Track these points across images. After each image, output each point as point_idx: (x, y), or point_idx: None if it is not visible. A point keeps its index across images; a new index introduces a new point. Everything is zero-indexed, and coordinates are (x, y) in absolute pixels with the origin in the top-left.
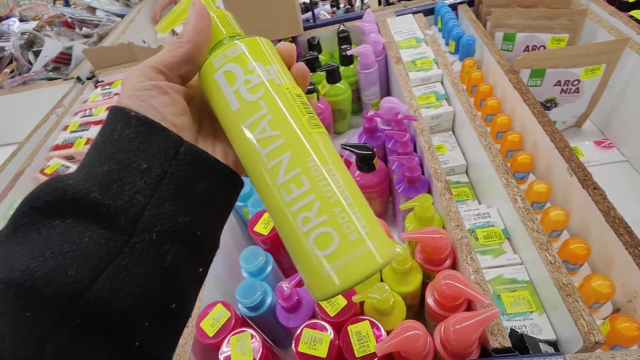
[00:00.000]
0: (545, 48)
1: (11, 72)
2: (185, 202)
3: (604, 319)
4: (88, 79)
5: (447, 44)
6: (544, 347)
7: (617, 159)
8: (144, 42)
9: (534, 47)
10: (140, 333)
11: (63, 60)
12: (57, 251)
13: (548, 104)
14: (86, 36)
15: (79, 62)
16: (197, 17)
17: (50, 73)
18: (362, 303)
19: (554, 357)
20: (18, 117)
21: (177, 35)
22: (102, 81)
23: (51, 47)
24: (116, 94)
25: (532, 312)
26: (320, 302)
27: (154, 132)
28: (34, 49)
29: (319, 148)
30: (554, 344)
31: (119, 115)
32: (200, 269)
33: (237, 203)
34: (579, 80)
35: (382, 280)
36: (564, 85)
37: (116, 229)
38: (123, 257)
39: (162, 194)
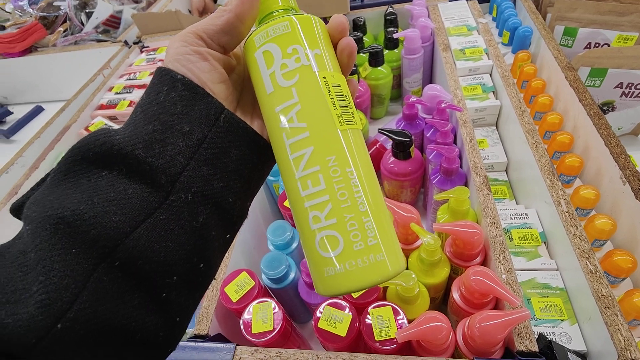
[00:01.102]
0: (608, 46)
1: (64, 31)
2: (220, 168)
3: None
4: (135, 43)
5: (500, 34)
6: (572, 358)
7: None
8: (190, 12)
9: (597, 45)
10: (168, 286)
11: (113, 23)
12: (104, 198)
13: (605, 107)
14: (136, 1)
15: (127, 26)
16: None
17: (100, 35)
18: (385, 288)
19: None
20: (68, 75)
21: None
22: (148, 47)
23: (102, 9)
24: (160, 59)
25: (563, 320)
26: None
27: (197, 97)
28: (87, 11)
29: (344, 147)
30: (583, 355)
31: (165, 78)
32: (228, 236)
33: (269, 177)
34: None
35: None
36: (625, 88)
37: (156, 185)
38: (160, 213)
39: (200, 157)
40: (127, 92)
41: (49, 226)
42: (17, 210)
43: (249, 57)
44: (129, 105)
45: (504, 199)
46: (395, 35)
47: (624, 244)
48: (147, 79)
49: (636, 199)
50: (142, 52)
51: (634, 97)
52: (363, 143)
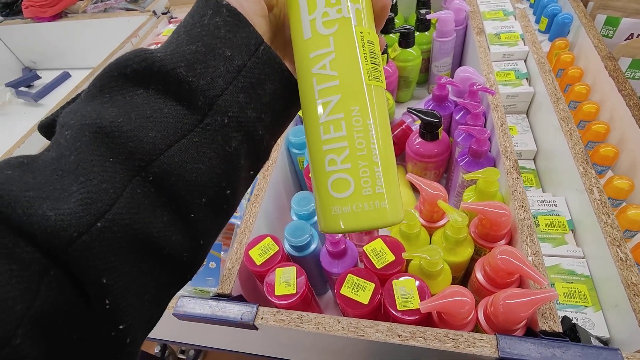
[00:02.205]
0: None
1: None
2: (255, 98)
3: None
4: (163, 13)
5: (537, 21)
6: (595, 342)
7: None
8: None
9: (639, 37)
10: (197, 207)
11: None
12: (141, 114)
13: None
14: None
15: None
16: None
17: (129, 4)
18: (408, 261)
19: (609, 351)
20: (96, 42)
21: None
22: (176, 17)
23: None
24: None
25: (587, 306)
26: (367, 251)
27: (240, 24)
28: None
29: (368, 101)
30: (605, 342)
31: (210, 2)
32: (252, 172)
33: (293, 150)
34: None
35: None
36: None
37: (193, 107)
38: (195, 135)
39: (238, 84)
40: None
41: (89, 133)
42: (46, 127)
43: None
44: None
45: (531, 187)
46: (428, 17)
47: None
48: None
49: None
50: (170, 22)
51: None
52: (384, 101)
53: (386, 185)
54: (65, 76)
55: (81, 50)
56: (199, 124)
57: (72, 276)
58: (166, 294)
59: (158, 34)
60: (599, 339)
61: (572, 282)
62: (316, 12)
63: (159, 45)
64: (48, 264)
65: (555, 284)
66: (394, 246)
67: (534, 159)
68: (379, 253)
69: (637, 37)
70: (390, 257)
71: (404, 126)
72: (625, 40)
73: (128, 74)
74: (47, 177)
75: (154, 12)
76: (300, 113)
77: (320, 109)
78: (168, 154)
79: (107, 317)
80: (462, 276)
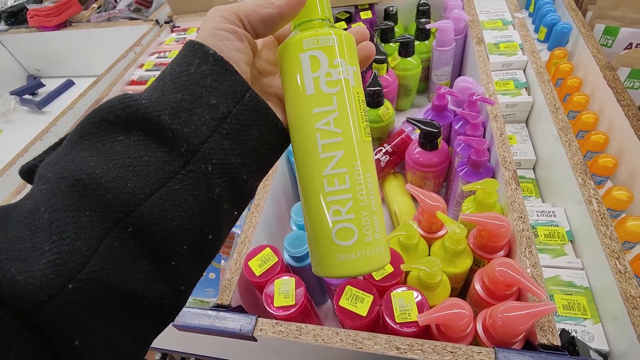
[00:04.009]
0: None
1: (98, 7)
2: (240, 144)
3: None
4: (166, 22)
5: (536, 30)
6: (594, 355)
7: None
8: None
9: (638, 46)
10: (178, 254)
11: (145, 2)
12: (120, 163)
13: None
14: None
15: (159, 6)
16: None
17: (132, 13)
18: (407, 273)
19: None
20: (100, 51)
21: None
22: (178, 27)
23: None
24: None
25: (586, 319)
26: None
27: (227, 73)
28: None
29: (365, 156)
30: (604, 355)
31: (197, 52)
32: (235, 212)
33: (292, 158)
34: None
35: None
36: None
37: (175, 153)
38: (176, 182)
39: (222, 131)
40: (157, 70)
41: (65, 187)
42: (27, 172)
43: (291, 55)
44: None
45: (530, 196)
46: (428, 26)
47: None
48: None
49: None
50: (172, 31)
51: None
52: (372, 155)
53: (381, 231)
54: (69, 84)
55: (85, 59)
56: (180, 171)
57: (44, 338)
58: (146, 340)
59: (161, 43)
60: (598, 352)
61: (571, 294)
62: (320, 71)
63: (162, 53)
64: (18, 327)
65: (555, 296)
66: (393, 257)
67: (534, 169)
68: None
69: (636, 46)
70: (389, 269)
71: (403, 135)
72: (624, 49)
73: (110, 120)
74: (20, 234)
75: (157, 22)
76: (292, 160)
77: (324, 163)
78: (148, 203)
79: None
80: (462, 287)
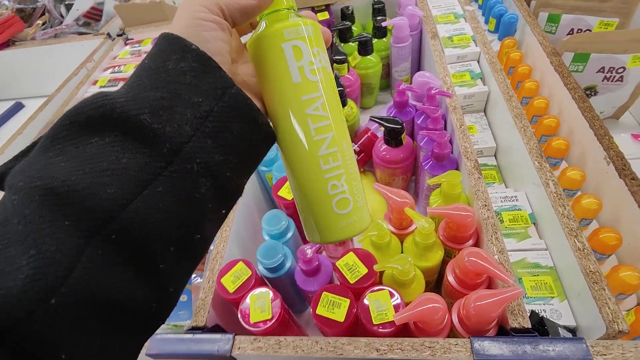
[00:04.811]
0: (590, 32)
1: (43, 24)
2: (222, 142)
3: (628, 310)
4: (118, 35)
5: (486, 21)
6: (563, 332)
7: None
8: (174, 3)
9: (579, 31)
10: (165, 257)
11: (94, 15)
12: (96, 168)
13: (588, 92)
14: None
15: (109, 18)
16: None
17: (81, 28)
18: (381, 273)
19: (574, 342)
20: (49, 69)
21: None
22: (132, 39)
23: (83, 1)
24: (145, 52)
25: (553, 297)
26: (340, 267)
27: (208, 69)
28: (66, 2)
29: (346, 132)
30: (572, 330)
31: (174, 46)
32: (223, 211)
33: (261, 167)
34: (624, 68)
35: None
36: (607, 72)
37: (156, 154)
38: (158, 183)
39: (205, 129)
40: (112, 86)
41: (38, 197)
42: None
43: (273, 46)
44: None
45: (494, 182)
46: (384, 24)
47: (609, 222)
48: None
49: (620, 178)
50: (126, 44)
51: (615, 81)
52: (347, 127)
53: (364, 195)
54: (18, 106)
55: (34, 79)
56: (162, 172)
57: (28, 354)
58: (135, 344)
59: (114, 57)
60: (566, 328)
61: (538, 275)
62: (303, 60)
63: (116, 68)
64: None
65: (523, 279)
66: (366, 258)
67: (495, 155)
68: (351, 267)
69: (578, 31)
70: (363, 270)
71: (369, 133)
72: (567, 35)
73: (81, 121)
74: None
75: (109, 35)
76: (280, 147)
77: (318, 145)
78: (130, 208)
79: None
80: (436, 279)
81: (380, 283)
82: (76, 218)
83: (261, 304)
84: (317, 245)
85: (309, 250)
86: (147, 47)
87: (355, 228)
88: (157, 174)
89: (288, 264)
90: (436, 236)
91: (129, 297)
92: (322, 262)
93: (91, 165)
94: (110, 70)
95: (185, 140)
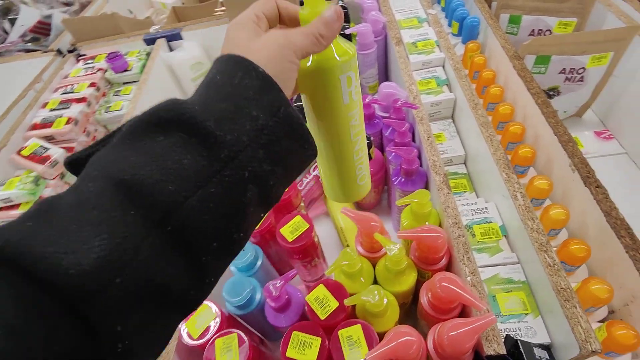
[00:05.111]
0: (551, 33)
1: None
2: (272, 154)
3: (600, 321)
4: (69, 51)
5: (450, 24)
6: (538, 353)
7: (616, 151)
8: (131, 12)
9: (540, 31)
10: (208, 251)
11: (42, 30)
12: (161, 166)
13: (551, 92)
14: (67, 4)
15: (59, 33)
16: (336, 23)
17: (28, 44)
18: (353, 306)
19: None
20: None
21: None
22: (85, 55)
23: (28, 15)
24: (100, 69)
25: (527, 314)
26: (309, 302)
27: (269, 88)
28: (10, 17)
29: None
30: (547, 347)
31: (240, 65)
32: (261, 214)
33: None
34: (584, 69)
35: (375, 279)
36: (568, 73)
37: (213, 158)
38: (212, 185)
39: (259, 141)
40: (64, 108)
41: (111, 187)
42: (71, 163)
43: (333, 77)
44: (67, 122)
45: (465, 192)
46: (347, 31)
47: (576, 230)
48: (86, 91)
49: (585, 186)
50: (78, 61)
51: (577, 82)
52: None
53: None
54: None
55: None
56: (216, 175)
57: (87, 325)
58: (171, 327)
59: (66, 76)
60: (541, 345)
61: (511, 291)
62: (352, 86)
63: (68, 88)
64: (67, 313)
65: (497, 295)
66: (337, 290)
67: (465, 163)
68: (322, 301)
69: (538, 32)
70: (334, 304)
71: None
72: (529, 35)
73: (153, 121)
74: (65, 227)
75: (59, 51)
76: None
77: (354, 144)
78: (186, 205)
79: (117, 357)
80: (411, 299)
81: (354, 312)
82: (141, 210)
83: (228, 350)
84: (286, 278)
85: (273, 287)
86: (101, 63)
87: (365, 192)
88: (212, 176)
89: (258, 297)
90: (408, 259)
91: (176, 284)
92: (291, 295)
93: (157, 163)
94: (61, 90)
95: (241, 149)
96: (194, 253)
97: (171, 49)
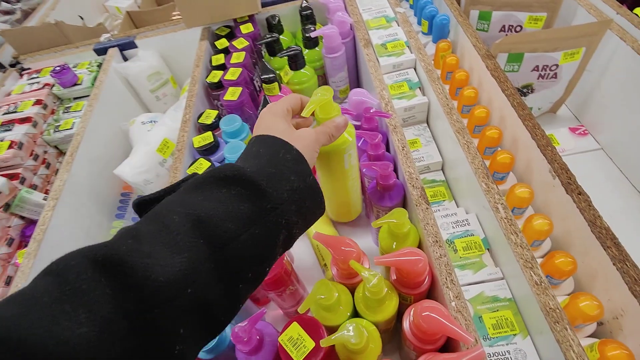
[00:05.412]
0: (522, 28)
1: None
2: (300, 209)
3: (590, 336)
4: (11, 65)
5: (419, 23)
6: None
7: (592, 147)
8: (82, 19)
9: (510, 27)
10: (245, 280)
11: None
12: (224, 209)
13: (525, 90)
14: (7, 12)
15: (0, 44)
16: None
17: None
18: (333, 345)
19: None
20: None
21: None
22: (29, 69)
23: None
24: (47, 84)
25: (515, 334)
26: (283, 343)
27: (301, 162)
28: None
29: (358, 173)
30: None
31: (283, 145)
32: (283, 253)
33: None
34: (557, 65)
35: (355, 309)
36: (541, 70)
37: (261, 207)
38: (257, 228)
39: (293, 198)
40: (6, 130)
41: (191, 220)
42: (139, 204)
43: (339, 156)
44: (10, 146)
45: (444, 200)
46: (312, 35)
47: (559, 238)
48: (32, 110)
49: (567, 193)
50: (21, 76)
51: (550, 79)
52: None
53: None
54: None
55: None
56: (260, 220)
57: (155, 325)
58: (202, 342)
59: (8, 93)
60: None
61: (497, 310)
62: (352, 158)
63: (10, 107)
64: (142, 312)
65: (483, 316)
66: (313, 328)
67: (442, 169)
68: (296, 342)
69: (509, 28)
70: (310, 345)
71: None
72: (500, 32)
73: (220, 177)
74: (154, 247)
75: (0, 65)
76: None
77: (350, 187)
78: (238, 240)
79: (174, 358)
80: (395, 323)
81: (333, 349)
82: (207, 240)
83: None
84: (253, 318)
85: (241, 331)
86: (47, 78)
87: (356, 214)
88: (259, 220)
89: (227, 338)
90: (388, 283)
91: (217, 305)
92: (263, 333)
93: (222, 207)
94: (2, 110)
95: (280, 203)
96: (234, 280)
97: (125, 59)
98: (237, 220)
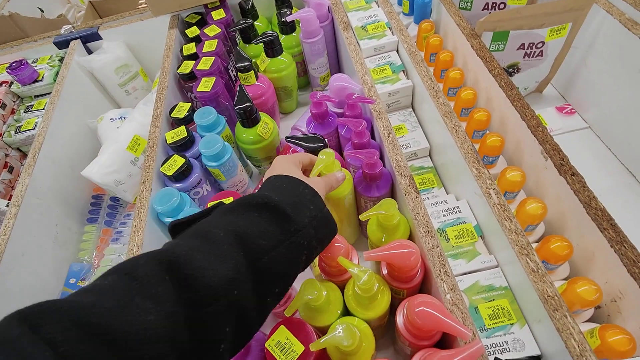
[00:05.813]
0: (505, 5)
1: None
2: (317, 234)
3: (588, 320)
4: None
5: (400, 3)
6: None
7: (579, 126)
8: (42, 11)
9: (494, 4)
10: (272, 293)
11: None
12: (257, 228)
13: (510, 70)
14: None
15: None
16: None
17: None
18: (324, 349)
19: None
20: None
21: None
22: None
23: None
24: (4, 82)
25: (512, 324)
26: (270, 348)
27: (317, 196)
28: None
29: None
30: (538, 358)
31: (301, 183)
32: (302, 271)
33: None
34: (543, 42)
35: (345, 306)
36: (527, 49)
37: (286, 230)
38: (283, 247)
39: (313, 224)
40: None
41: (233, 236)
42: (175, 226)
43: (342, 200)
44: None
45: (433, 187)
46: (288, 19)
47: (553, 221)
48: None
49: (560, 175)
50: None
51: (536, 57)
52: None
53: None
54: None
55: None
56: (286, 241)
57: (204, 320)
58: (239, 347)
59: None
60: (531, 358)
61: (493, 300)
62: (351, 199)
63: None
64: (197, 309)
65: (479, 307)
66: (301, 331)
67: (430, 155)
68: (284, 347)
69: (492, 6)
70: (299, 349)
71: (290, 151)
72: (483, 9)
73: (252, 204)
74: (205, 256)
75: None
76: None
77: (352, 215)
78: (269, 255)
79: (216, 357)
80: (388, 319)
81: (324, 352)
82: (245, 253)
83: None
84: None
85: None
86: (4, 75)
87: (356, 235)
88: (284, 240)
89: None
90: (380, 278)
91: (249, 312)
92: (251, 343)
93: (255, 227)
94: None
95: (302, 227)
96: (265, 291)
97: (90, 51)
98: (268, 238)
